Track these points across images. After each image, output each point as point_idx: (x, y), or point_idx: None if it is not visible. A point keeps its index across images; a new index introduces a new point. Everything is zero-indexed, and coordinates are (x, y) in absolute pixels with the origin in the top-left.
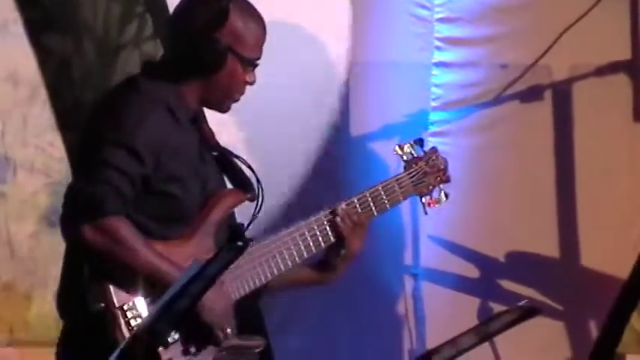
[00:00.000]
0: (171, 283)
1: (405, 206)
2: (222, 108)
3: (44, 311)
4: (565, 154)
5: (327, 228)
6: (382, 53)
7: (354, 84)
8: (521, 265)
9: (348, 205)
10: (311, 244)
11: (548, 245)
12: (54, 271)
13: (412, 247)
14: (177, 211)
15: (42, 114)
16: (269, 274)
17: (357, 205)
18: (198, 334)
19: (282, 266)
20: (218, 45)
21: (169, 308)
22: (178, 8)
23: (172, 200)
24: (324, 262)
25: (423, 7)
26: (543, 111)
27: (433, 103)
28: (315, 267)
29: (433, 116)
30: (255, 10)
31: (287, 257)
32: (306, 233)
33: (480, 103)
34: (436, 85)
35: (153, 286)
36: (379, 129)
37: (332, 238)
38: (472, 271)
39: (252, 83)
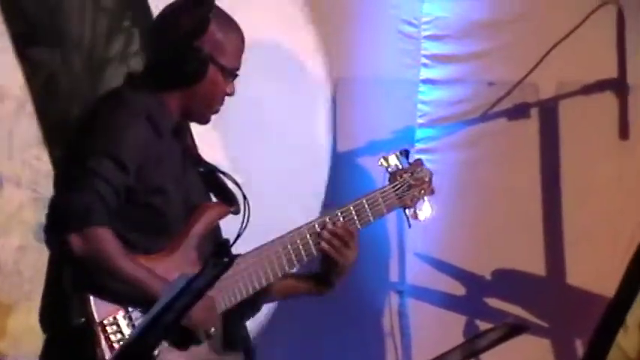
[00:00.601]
0: (155, 295)
1: (392, 222)
2: (203, 119)
3: (29, 324)
4: (552, 171)
5: (310, 242)
6: (369, 69)
7: (341, 100)
8: (508, 282)
9: (331, 219)
10: (293, 257)
11: (534, 263)
12: (39, 285)
13: (398, 264)
14: (160, 223)
15: (28, 128)
16: (250, 289)
17: (341, 218)
18: (180, 335)
19: (263, 280)
20: (200, 54)
21: (156, 323)
22: (159, 17)
23: (155, 212)
24: (320, 274)
25: (410, 24)
26: (530, 128)
27: (420, 120)
28: (312, 278)
29: (420, 133)
30: (233, 21)
31: (269, 271)
32: (289, 247)
33: (466, 119)
34: (423, 102)
35: (135, 300)
36: (366, 145)
37: (314, 252)
38: (458, 289)
39: (231, 94)
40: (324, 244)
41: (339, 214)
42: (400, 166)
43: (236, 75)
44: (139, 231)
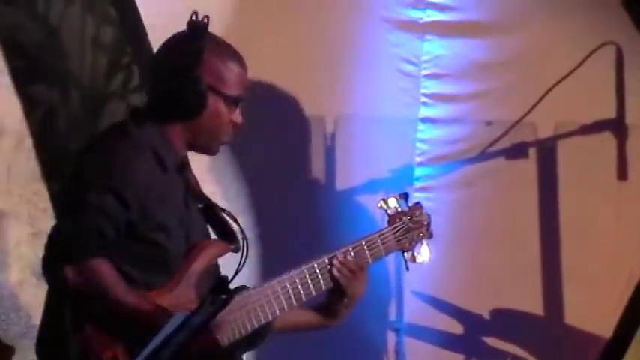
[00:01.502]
0: (154, 325)
1: (390, 261)
2: (210, 151)
3: None
4: (549, 211)
5: (319, 276)
6: (368, 107)
7: (340, 137)
8: (506, 321)
9: (342, 253)
10: (301, 292)
11: (532, 302)
12: (37, 320)
13: (396, 302)
14: (161, 259)
15: (27, 164)
16: (256, 322)
17: (351, 254)
18: None
19: (269, 314)
20: (197, 85)
21: (153, 358)
22: (157, 52)
23: (157, 249)
24: (327, 307)
25: (411, 62)
26: (528, 168)
27: (418, 159)
28: (318, 311)
29: (418, 171)
30: (233, 49)
31: (276, 305)
32: (297, 281)
33: (465, 159)
34: (421, 141)
35: (134, 332)
36: (364, 183)
37: (323, 286)
38: (456, 327)
39: (239, 124)
40: (335, 272)
41: (338, 254)
42: (399, 209)
43: (239, 103)
44: (140, 267)
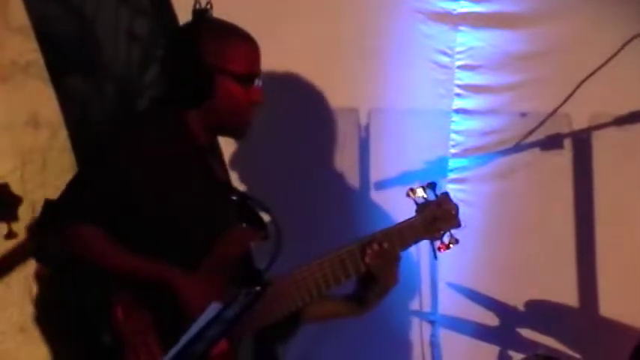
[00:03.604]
0: (156, 276)
1: (424, 253)
2: (235, 133)
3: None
4: (584, 202)
5: (348, 263)
6: (402, 99)
7: (374, 130)
8: (540, 313)
9: (375, 240)
10: (331, 279)
11: (567, 294)
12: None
13: (430, 294)
14: (182, 247)
15: (62, 156)
16: (287, 310)
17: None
18: None
19: (299, 302)
20: (199, 67)
21: (185, 353)
22: (165, 43)
23: (175, 235)
24: (357, 295)
25: (444, 54)
26: (563, 159)
27: (452, 150)
28: (347, 300)
29: (452, 163)
30: (237, 28)
31: (306, 292)
32: (327, 269)
33: (499, 150)
34: (456, 132)
35: (159, 305)
36: (398, 175)
37: (352, 273)
38: (491, 319)
39: (258, 102)
40: (367, 260)
41: (375, 239)
42: (427, 198)
43: (253, 81)
44: (162, 255)
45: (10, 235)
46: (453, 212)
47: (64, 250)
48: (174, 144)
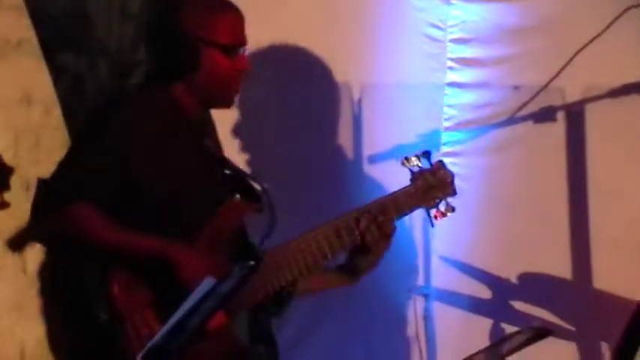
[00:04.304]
0: (152, 250)
1: (417, 226)
2: (224, 103)
3: (57, 332)
4: (578, 175)
5: (343, 234)
6: (395, 73)
7: (367, 104)
8: (534, 286)
9: (368, 211)
10: (326, 249)
11: (560, 266)
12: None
13: (423, 268)
14: (178, 224)
15: (55, 133)
16: (281, 282)
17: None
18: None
19: (296, 273)
20: (183, 40)
21: (180, 327)
22: (147, 18)
23: (170, 212)
24: (348, 265)
25: (437, 27)
26: (556, 132)
27: (446, 124)
28: (340, 270)
29: (445, 137)
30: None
31: (302, 264)
32: (322, 239)
33: (492, 123)
34: (449, 106)
35: (137, 260)
36: (391, 149)
37: (348, 244)
38: (484, 292)
39: (245, 70)
40: (362, 229)
41: (369, 209)
42: (422, 167)
43: (238, 50)
44: (159, 233)
45: (2, 205)
46: (448, 180)
47: (59, 229)
48: (166, 119)
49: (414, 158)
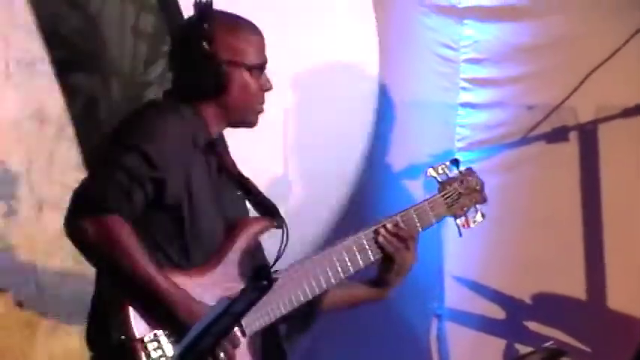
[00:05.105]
0: (166, 302)
1: (431, 246)
2: (249, 122)
3: (69, 347)
4: (591, 194)
5: (367, 247)
6: (408, 93)
7: (380, 123)
8: (548, 306)
9: (390, 222)
10: (349, 264)
11: (574, 286)
12: (80, 308)
13: (437, 288)
14: (192, 236)
15: (68, 152)
16: (301, 298)
17: (400, 223)
18: None
19: (316, 289)
20: (215, 64)
21: (194, 346)
22: (173, 39)
23: (184, 219)
24: (376, 279)
25: (449, 47)
26: (569, 152)
27: (458, 144)
28: (369, 284)
29: (458, 156)
30: (243, 19)
31: (322, 279)
32: (344, 254)
33: (505, 143)
34: (461, 126)
35: (143, 298)
36: (404, 169)
37: (371, 257)
38: (497, 312)
39: (268, 89)
40: (381, 240)
41: (393, 220)
42: (450, 175)
43: (263, 69)
44: (173, 242)
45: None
46: (478, 187)
47: (92, 235)
48: (191, 130)
49: (440, 167)
